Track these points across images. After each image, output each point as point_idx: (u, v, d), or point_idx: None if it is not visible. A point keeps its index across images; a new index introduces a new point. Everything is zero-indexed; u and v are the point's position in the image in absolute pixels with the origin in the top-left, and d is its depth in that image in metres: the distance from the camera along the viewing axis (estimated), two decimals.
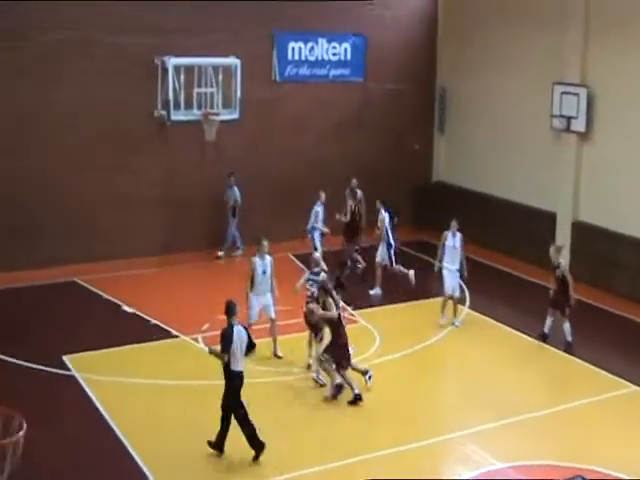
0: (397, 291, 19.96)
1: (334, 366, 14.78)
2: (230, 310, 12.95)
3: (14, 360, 15.92)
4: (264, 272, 16.25)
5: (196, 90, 20.84)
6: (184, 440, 13.28)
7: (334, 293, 15.16)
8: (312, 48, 24.03)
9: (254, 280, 16.20)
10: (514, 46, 23.20)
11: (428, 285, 20.22)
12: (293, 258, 22.35)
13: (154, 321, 17.59)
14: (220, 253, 22.40)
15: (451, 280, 18.45)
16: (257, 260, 16.27)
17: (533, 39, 22.63)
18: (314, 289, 15.79)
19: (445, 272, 18.50)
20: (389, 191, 24.34)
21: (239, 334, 12.85)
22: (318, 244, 20.74)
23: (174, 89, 20.63)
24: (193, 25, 21.99)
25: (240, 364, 12.87)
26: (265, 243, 16.37)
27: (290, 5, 23.17)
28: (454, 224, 18.44)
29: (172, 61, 20.71)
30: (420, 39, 25.39)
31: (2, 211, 20.46)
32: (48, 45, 20.63)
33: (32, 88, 20.63)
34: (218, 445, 12.95)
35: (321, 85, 24.17)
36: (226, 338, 12.79)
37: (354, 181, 21.68)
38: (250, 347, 13.06)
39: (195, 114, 20.85)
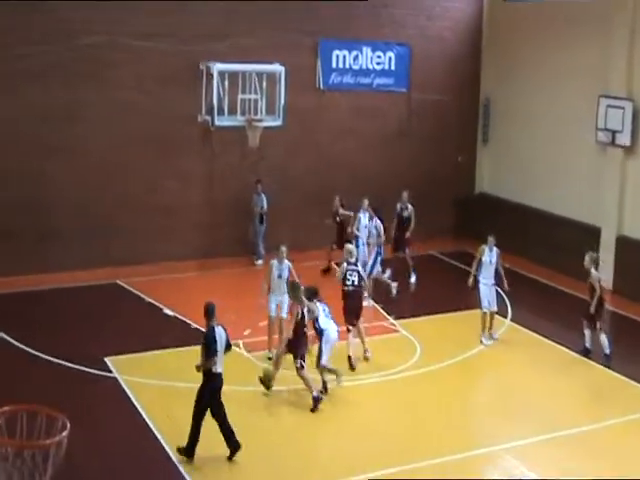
0: (437, 301, 19.85)
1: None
2: (209, 312, 13.05)
3: (57, 360, 16.01)
4: (280, 276, 16.56)
5: (240, 96, 20.85)
6: (224, 445, 13.25)
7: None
8: (356, 57, 24.01)
9: (270, 283, 16.61)
10: (559, 58, 23.03)
11: (468, 297, 20.11)
12: (334, 266, 22.27)
13: (195, 325, 17.61)
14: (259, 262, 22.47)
15: (489, 294, 18.18)
16: (275, 263, 16.64)
17: (578, 51, 22.46)
18: (354, 277, 16.61)
19: (482, 287, 18.19)
20: (431, 201, 24.40)
21: (220, 335, 12.99)
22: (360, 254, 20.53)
23: (218, 95, 20.66)
24: (237, 31, 22.08)
25: (220, 366, 13.02)
26: (283, 249, 16.72)
27: (334, 13, 23.22)
28: (491, 239, 18.16)
29: (217, 67, 20.74)
30: (464, 49, 25.31)
31: (48, 213, 20.71)
32: (88, 49, 20.81)
33: (74, 92, 20.86)
34: (189, 451, 12.93)
35: (365, 94, 24.13)
36: (210, 341, 12.90)
37: (405, 194, 21.64)
38: (228, 347, 13.16)
39: (239, 120, 20.86)
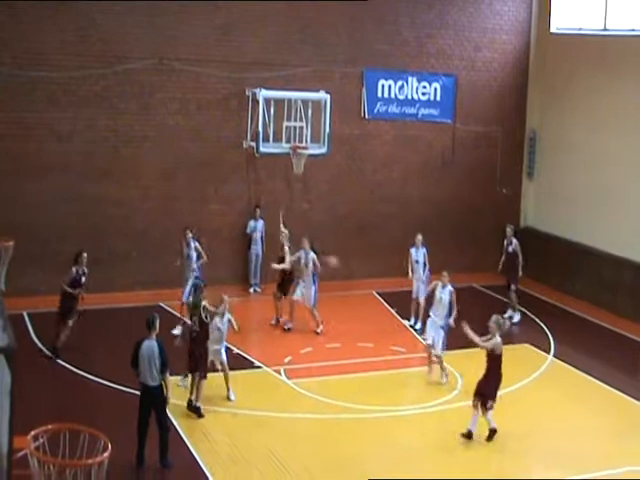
0: (479, 334, 19.57)
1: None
2: (148, 324, 13.51)
3: (99, 380, 16.05)
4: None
5: (285, 123, 20.81)
6: (262, 471, 13.14)
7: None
8: (402, 86, 23.98)
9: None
10: (608, 91, 22.80)
11: (510, 332, 19.88)
12: (377, 296, 22.20)
13: (237, 350, 17.53)
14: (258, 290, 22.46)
15: (434, 332, 17.12)
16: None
17: (628, 85, 22.23)
18: None
19: (430, 321, 17.35)
20: (475, 234, 24.22)
21: (147, 349, 13.18)
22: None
23: (264, 121, 20.68)
24: (283, 59, 22.25)
25: (146, 377, 13.21)
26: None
27: (380, 43, 23.24)
28: (445, 274, 17.24)
29: (263, 93, 20.79)
30: (511, 81, 25.17)
31: (98, 235, 20.85)
32: (135, 73, 21.08)
33: (121, 116, 21.12)
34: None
35: (409, 124, 24.09)
36: (133, 350, 13.41)
37: (509, 229, 21.45)
38: (162, 366, 13.17)
39: (284, 147, 20.82)
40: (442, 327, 17.04)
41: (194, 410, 14.96)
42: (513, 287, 21.11)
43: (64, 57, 20.42)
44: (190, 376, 15.32)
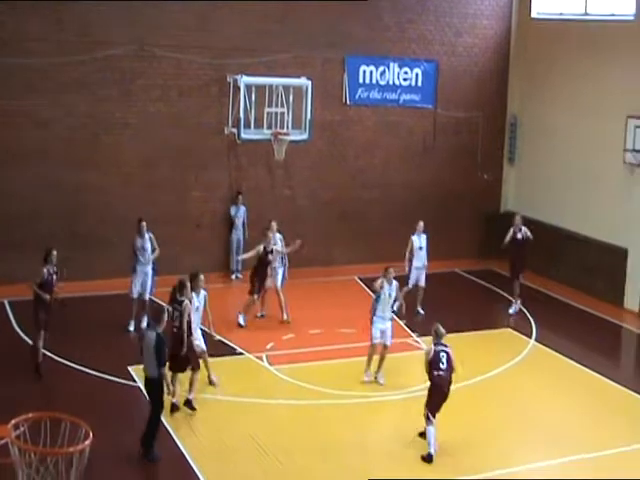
0: (461, 320, 19.70)
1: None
2: (154, 316, 13.49)
3: (82, 368, 16.01)
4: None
5: (266, 109, 20.75)
6: (245, 458, 13.19)
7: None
8: (383, 72, 23.93)
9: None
10: (588, 77, 22.89)
11: (491, 316, 20.06)
12: (359, 282, 22.24)
13: (219, 337, 17.55)
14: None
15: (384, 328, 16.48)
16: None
17: (608, 71, 22.31)
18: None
19: (377, 319, 16.43)
20: (456, 219, 24.31)
21: (147, 340, 13.04)
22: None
23: (245, 108, 20.62)
24: (264, 45, 22.13)
25: (145, 367, 13.21)
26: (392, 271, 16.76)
27: (361, 29, 23.20)
28: (391, 271, 16.48)
29: (244, 80, 20.71)
30: (491, 67, 25.17)
31: (78, 222, 20.85)
32: (115, 60, 20.93)
33: (101, 103, 20.98)
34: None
35: (391, 109, 24.07)
36: (165, 348, 13.15)
37: (518, 217, 20.89)
38: (158, 361, 12.95)
39: (265, 133, 20.78)
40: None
41: (187, 405, 14.61)
42: (521, 278, 20.64)
43: (43, 43, 20.21)
44: (172, 375, 14.42)
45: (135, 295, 18.38)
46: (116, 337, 17.82)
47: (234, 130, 21.00)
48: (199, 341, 15.39)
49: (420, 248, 20.13)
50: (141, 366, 15.92)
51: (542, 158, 24.58)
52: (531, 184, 24.98)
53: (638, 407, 16.13)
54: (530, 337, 19.25)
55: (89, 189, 20.93)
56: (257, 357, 17.12)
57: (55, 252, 16.08)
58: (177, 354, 14.33)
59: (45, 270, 15.88)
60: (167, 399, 13.90)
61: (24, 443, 9.98)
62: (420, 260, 20.11)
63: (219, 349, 17.24)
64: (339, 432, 14.33)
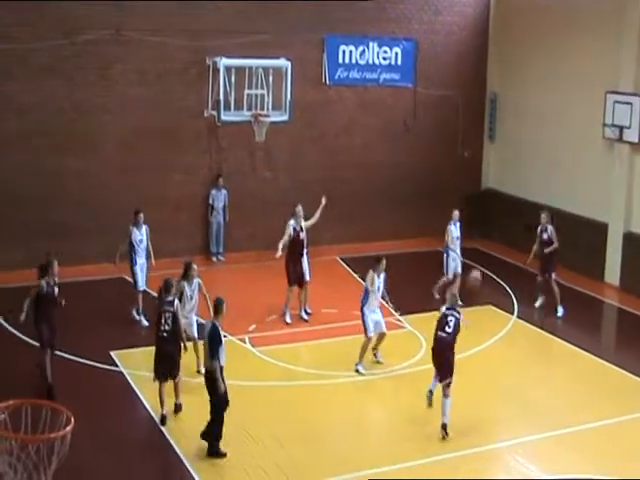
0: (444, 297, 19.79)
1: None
2: (218, 308, 12.94)
3: (62, 354, 15.92)
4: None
5: (246, 91, 20.71)
6: (227, 439, 13.24)
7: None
8: (363, 52, 23.94)
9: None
10: (567, 54, 22.95)
11: (474, 293, 20.09)
12: (341, 262, 22.32)
13: (200, 320, 17.58)
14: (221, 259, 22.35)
15: (378, 317, 16.38)
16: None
17: (586, 47, 22.38)
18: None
19: (367, 310, 16.23)
20: (437, 197, 24.37)
21: (205, 330, 12.90)
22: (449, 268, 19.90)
23: (225, 90, 20.58)
24: (243, 26, 22.03)
25: (205, 359, 12.96)
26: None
27: (341, 8, 23.14)
28: (383, 263, 16.13)
29: (224, 62, 20.66)
30: (471, 45, 25.21)
31: (56, 207, 20.78)
32: (93, 44, 20.81)
33: (79, 87, 20.94)
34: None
35: (371, 89, 24.09)
36: (217, 339, 12.72)
37: (543, 215, 19.82)
38: (209, 350, 12.77)
39: (245, 115, 20.73)
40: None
41: (178, 408, 14.08)
42: (554, 276, 19.61)
43: (20, 29, 20.10)
44: (160, 384, 13.86)
45: (142, 288, 18.02)
46: (97, 323, 17.83)
47: (214, 112, 20.95)
48: (193, 327, 15.46)
49: (457, 238, 19.95)
50: (123, 351, 16.35)
51: (522, 135, 24.67)
52: (511, 161, 25.08)
53: (619, 381, 16.27)
54: (512, 314, 19.38)
55: (68, 174, 20.88)
56: (240, 339, 17.17)
57: (56, 262, 14.70)
58: (167, 360, 13.78)
59: (44, 282, 14.56)
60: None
61: (4, 430, 10.00)
62: (457, 249, 19.95)
63: (201, 332, 17.31)
64: (324, 413, 14.43)
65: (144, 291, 18.14)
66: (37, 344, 14.95)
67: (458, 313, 14.24)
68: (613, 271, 21.52)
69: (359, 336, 16.39)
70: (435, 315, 14.56)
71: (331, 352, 16.90)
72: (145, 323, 17.85)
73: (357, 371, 16.04)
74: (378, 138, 24.22)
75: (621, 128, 20.99)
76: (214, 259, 22.31)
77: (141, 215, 18.01)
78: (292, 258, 18.29)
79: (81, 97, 20.96)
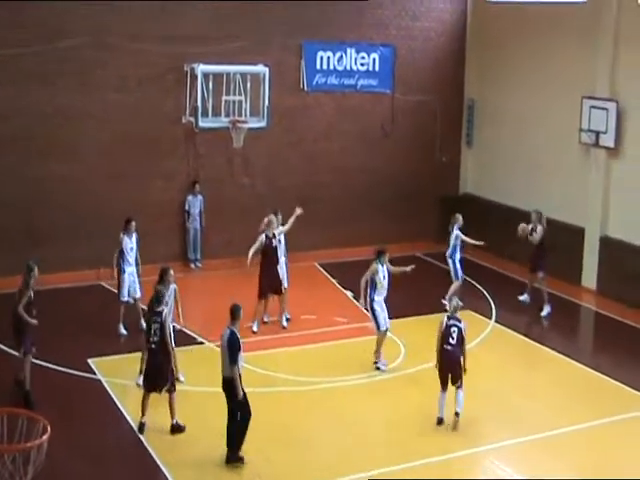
0: (421, 303, 19.86)
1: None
2: (230, 313, 12.96)
3: (40, 362, 15.83)
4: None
5: (224, 97, 20.72)
6: (206, 446, 13.26)
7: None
8: (341, 58, 23.96)
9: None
10: (544, 59, 23.09)
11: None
12: (319, 267, 22.37)
13: (178, 326, 17.56)
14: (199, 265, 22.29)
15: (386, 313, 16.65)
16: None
17: (563, 53, 22.52)
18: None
19: (378, 306, 16.53)
20: (415, 202, 24.47)
21: (223, 337, 12.90)
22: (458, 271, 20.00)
23: (202, 96, 20.57)
24: (221, 33, 22.03)
25: (222, 366, 12.96)
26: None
27: (318, 14, 23.20)
28: (387, 256, 16.51)
29: (201, 68, 20.67)
30: (448, 50, 25.29)
31: (33, 213, 20.67)
32: (71, 51, 20.72)
33: (58, 93, 20.83)
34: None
35: (349, 95, 24.12)
36: (237, 345, 12.75)
37: (533, 215, 20.18)
38: (230, 359, 12.83)
39: (223, 121, 20.72)
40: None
41: (176, 429, 13.77)
42: (541, 275, 20.06)
43: (1, 34, 20.00)
44: (144, 394, 13.83)
45: (125, 298, 17.88)
46: (76, 330, 17.78)
47: (192, 119, 20.95)
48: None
49: (462, 241, 20.10)
50: (101, 358, 16.29)
51: (499, 140, 24.80)
52: (489, 166, 25.20)
53: (597, 384, 16.40)
54: (490, 318, 19.47)
55: (50, 180, 20.76)
56: (217, 345, 17.04)
57: (37, 268, 14.75)
58: (154, 372, 13.65)
59: (31, 292, 14.57)
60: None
61: None
62: (461, 253, 20.11)
63: (179, 339, 17.26)
64: (304, 419, 14.49)
65: (135, 300, 17.95)
66: (18, 352, 14.84)
67: (460, 321, 14.25)
68: (590, 275, 21.66)
69: (339, 342, 16.47)
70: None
71: (311, 358, 16.93)
72: (123, 332, 17.80)
73: (378, 369, 16.33)
74: (356, 144, 24.27)
75: (597, 133, 21.14)
76: (192, 265, 22.28)
77: (133, 223, 17.89)
78: (265, 266, 18.19)
79: (63, 103, 20.86)
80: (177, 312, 15.50)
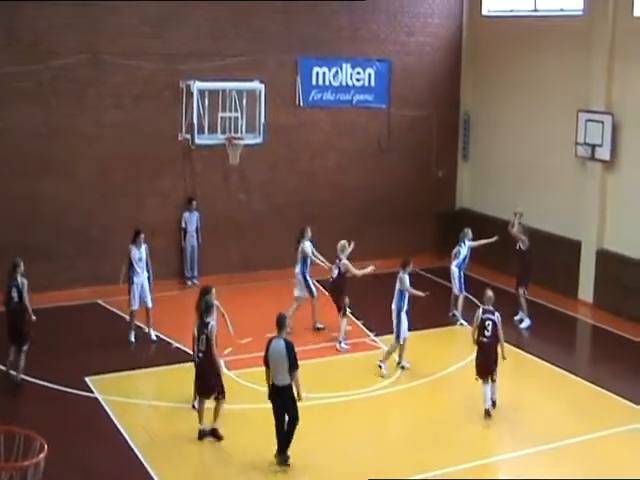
0: (418, 318, 19.82)
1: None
2: (278, 323, 13.38)
3: (37, 381, 15.91)
4: None
5: (220, 114, 20.67)
6: (204, 463, 13.26)
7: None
8: (336, 73, 24.03)
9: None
10: (539, 73, 23.17)
11: (448, 313, 20.22)
12: (316, 284, 22.28)
13: (176, 344, 17.56)
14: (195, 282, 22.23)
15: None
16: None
17: (558, 66, 22.61)
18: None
19: (405, 316, 17.09)
20: (412, 217, 24.50)
21: (275, 348, 13.14)
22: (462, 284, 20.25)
23: (198, 113, 20.58)
24: (216, 49, 22.15)
25: (276, 376, 13.17)
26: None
27: (314, 30, 23.29)
28: (411, 265, 17.26)
29: (197, 85, 20.66)
30: (444, 65, 25.39)
31: (30, 232, 20.64)
32: (67, 68, 20.77)
33: (53, 112, 20.86)
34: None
35: (345, 110, 24.19)
36: (265, 350, 13.29)
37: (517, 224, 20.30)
38: (291, 366, 13.11)
39: (219, 138, 20.69)
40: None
41: (212, 434, 14.17)
42: (521, 291, 20.05)
43: None
44: (199, 400, 14.40)
45: (136, 307, 18.34)
46: (72, 349, 17.75)
47: (188, 136, 20.95)
48: None
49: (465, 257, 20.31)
50: (100, 377, 16.24)
51: (495, 154, 24.87)
52: (485, 180, 25.26)
53: (594, 397, 16.40)
54: None
55: (43, 200, 20.80)
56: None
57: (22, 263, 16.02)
58: (205, 380, 14.18)
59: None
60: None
61: None
62: (465, 266, 20.36)
63: (176, 356, 17.33)
64: (302, 435, 14.39)
65: (147, 309, 18.46)
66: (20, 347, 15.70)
67: (493, 314, 15.17)
68: (587, 288, 21.67)
69: (334, 357, 16.43)
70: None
71: (308, 373, 16.72)
72: (133, 340, 18.20)
73: (403, 367, 17.11)
74: (352, 159, 24.32)
75: (593, 146, 21.21)
76: (189, 283, 22.26)
77: (142, 235, 18.37)
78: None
79: (57, 121, 20.89)
80: (226, 324, 15.65)
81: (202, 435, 14.06)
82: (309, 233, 19.51)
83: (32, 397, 15.48)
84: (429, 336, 19.17)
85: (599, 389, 16.61)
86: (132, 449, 13.68)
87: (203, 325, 14.17)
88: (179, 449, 13.74)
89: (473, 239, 20.37)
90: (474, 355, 15.58)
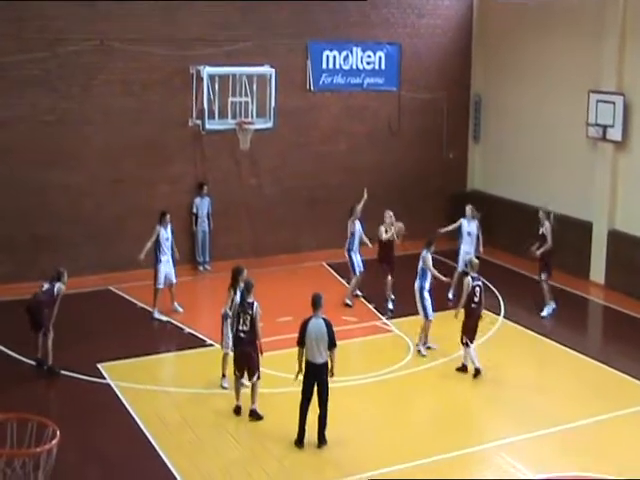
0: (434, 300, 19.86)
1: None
2: (314, 302, 13.57)
3: None
4: None
5: (230, 99, 20.73)
6: (217, 449, 13.30)
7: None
8: (346, 57, 23.99)
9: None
10: (550, 54, 23.09)
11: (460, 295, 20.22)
12: (327, 267, 22.41)
13: (188, 330, 17.63)
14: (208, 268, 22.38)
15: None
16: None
17: (569, 47, 22.51)
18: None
19: (428, 294, 17.39)
20: (424, 199, 24.48)
21: (314, 327, 13.31)
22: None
23: (209, 98, 20.61)
24: (226, 34, 22.11)
25: (314, 355, 13.30)
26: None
27: (323, 14, 23.24)
28: (433, 245, 17.61)
29: (207, 70, 20.69)
30: (454, 47, 25.32)
31: (41, 220, 20.73)
32: (76, 55, 20.76)
33: (62, 98, 20.89)
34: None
35: (355, 94, 24.16)
36: (301, 329, 13.42)
37: (540, 212, 19.73)
38: (331, 344, 13.30)
39: (229, 123, 20.76)
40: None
41: (255, 415, 14.31)
42: (543, 276, 19.63)
43: (2, 41, 20.00)
44: (235, 378, 14.55)
45: (162, 285, 18.75)
46: (84, 335, 17.79)
47: (198, 121, 21.03)
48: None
49: (469, 233, 20.32)
50: (112, 363, 16.33)
51: (506, 135, 24.79)
52: (496, 162, 25.20)
53: (606, 378, 16.42)
54: (498, 314, 19.46)
55: (54, 187, 20.82)
56: None
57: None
58: (244, 358, 14.30)
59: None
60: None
61: None
62: (467, 244, 20.33)
63: (189, 341, 17.42)
64: (311, 419, 14.48)
65: (171, 285, 18.85)
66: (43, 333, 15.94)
67: (479, 280, 16.25)
68: (598, 269, 21.65)
69: (346, 341, 16.45)
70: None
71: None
72: (157, 316, 18.62)
73: (419, 352, 17.18)
74: (363, 143, 24.31)
75: (604, 127, 21.13)
76: (200, 268, 22.31)
77: (167, 216, 18.80)
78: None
79: (65, 109, 20.91)
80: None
81: (237, 411, 14.37)
82: (358, 212, 20.08)
83: (45, 383, 15.56)
84: (444, 318, 19.11)
85: (611, 370, 16.62)
86: (145, 435, 13.72)
87: (247, 305, 14.24)
88: (192, 436, 13.79)
89: (479, 220, 20.42)
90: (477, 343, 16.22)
